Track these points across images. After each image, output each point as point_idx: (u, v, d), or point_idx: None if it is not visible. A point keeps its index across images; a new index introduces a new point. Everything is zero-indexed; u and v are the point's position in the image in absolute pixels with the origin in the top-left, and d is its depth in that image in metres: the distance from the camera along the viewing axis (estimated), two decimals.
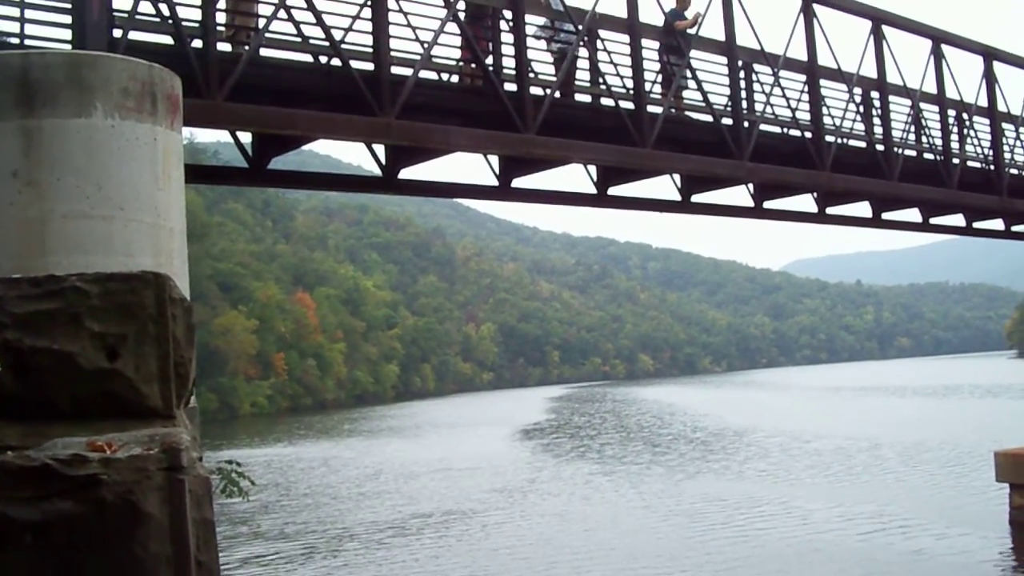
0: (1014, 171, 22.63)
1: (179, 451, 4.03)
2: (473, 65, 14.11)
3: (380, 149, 14.90)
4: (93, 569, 3.85)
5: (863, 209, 21.86)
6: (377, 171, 15.41)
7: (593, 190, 17.11)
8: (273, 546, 25.66)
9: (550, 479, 37.54)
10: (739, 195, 19.52)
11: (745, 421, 62.68)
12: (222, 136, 26.64)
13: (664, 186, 18.28)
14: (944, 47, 20.60)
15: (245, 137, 14.40)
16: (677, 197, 18.34)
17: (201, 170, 17.51)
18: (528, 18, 14.30)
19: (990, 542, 21.41)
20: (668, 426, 63.43)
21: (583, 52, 15.10)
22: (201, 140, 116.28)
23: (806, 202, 20.66)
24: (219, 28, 11.93)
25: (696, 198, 18.56)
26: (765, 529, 24.67)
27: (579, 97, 15.97)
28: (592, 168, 16.80)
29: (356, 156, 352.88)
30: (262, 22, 12.06)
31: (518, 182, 16.24)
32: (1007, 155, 22.36)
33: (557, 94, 14.53)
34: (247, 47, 11.95)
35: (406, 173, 15.45)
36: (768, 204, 19.82)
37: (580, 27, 14.46)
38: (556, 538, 24.83)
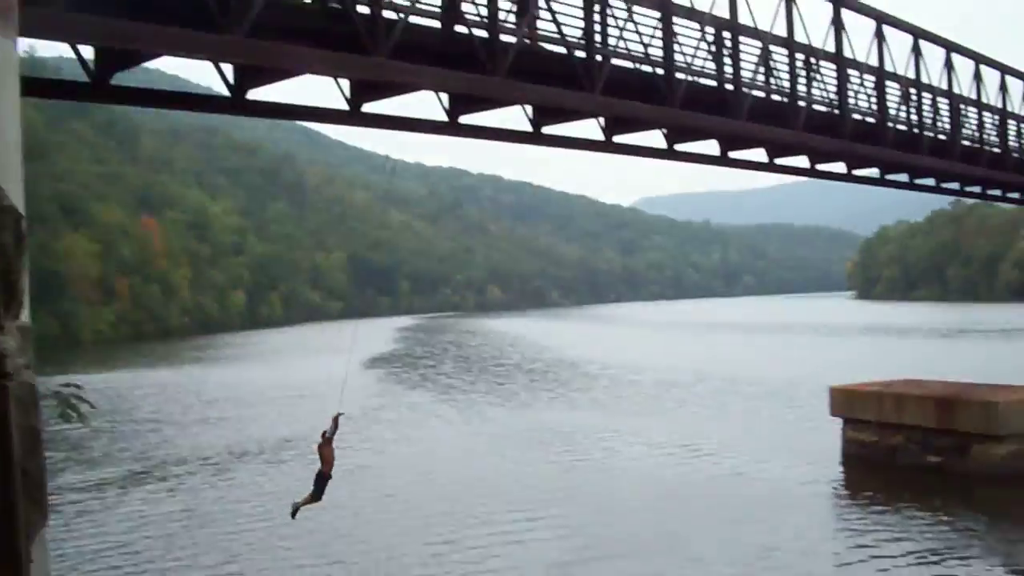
0: (857, 116, 23.18)
1: (3, 357, 3.90)
2: None
3: (229, 69, 14.50)
4: None
5: (711, 147, 22.17)
6: (225, 91, 15.00)
7: (444, 118, 16.96)
8: (107, 471, 25.25)
9: (391, 406, 37.79)
10: (590, 128, 19.60)
11: (589, 353, 63.78)
12: (65, 51, 25.54)
13: (516, 117, 18.23)
14: None
15: (88, 52, 13.82)
16: (528, 128, 18.31)
17: (39, 84, 16.73)
18: None
19: (824, 473, 22.22)
20: (511, 357, 64.17)
21: None
22: (43, 55, 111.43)
23: (655, 138, 20.87)
24: None
25: (547, 130, 18.54)
26: (596, 459, 25.17)
27: (433, 23, 15.74)
28: (444, 95, 16.64)
29: (206, 77, 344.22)
30: None
31: (369, 107, 15.98)
32: (851, 100, 22.89)
33: (410, 19, 14.31)
34: None
35: (255, 94, 15.05)
36: (618, 138, 19.91)
37: None
38: (388, 466, 24.97)
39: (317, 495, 14.52)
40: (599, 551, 16.31)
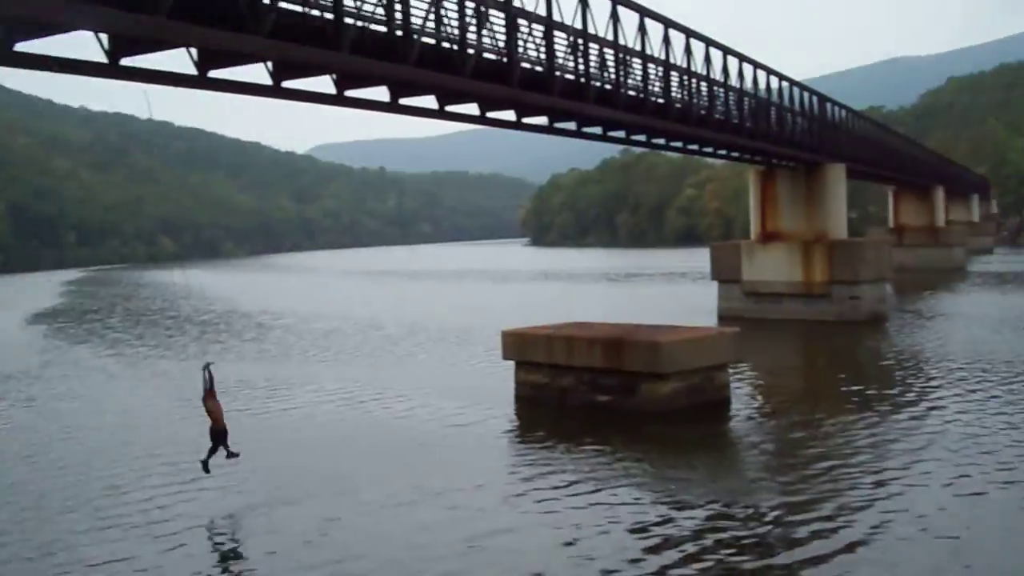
0: (526, 64, 23.54)
1: None
2: None
3: None
4: None
5: (382, 94, 21.99)
6: None
7: (105, 60, 15.98)
8: None
9: (56, 363, 35.99)
10: (259, 73, 18.99)
11: (263, 303, 62.80)
12: None
13: (182, 59, 17.40)
14: None
15: None
16: (193, 71, 17.52)
17: None
18: None
19: (497, 415, 22.60)
20: (183, 309, 62.25)
21: None
22: None
23: (326, 84, 20.48)
24: None
25: (214, 74, 17.82)
26: (268, 408, 24.77)
27: None
28: (104, 36, 15.66)
29: None
30: None
31: (25, 47, 14.85)
32: (520, 49, 23.20)
33: None
34: None
35: None
36: (288, 84, 19.42)
37: None
38: (44, 424, 23.71)
39: (216, 449, 15.40)
40: (271, 496, 15.98)
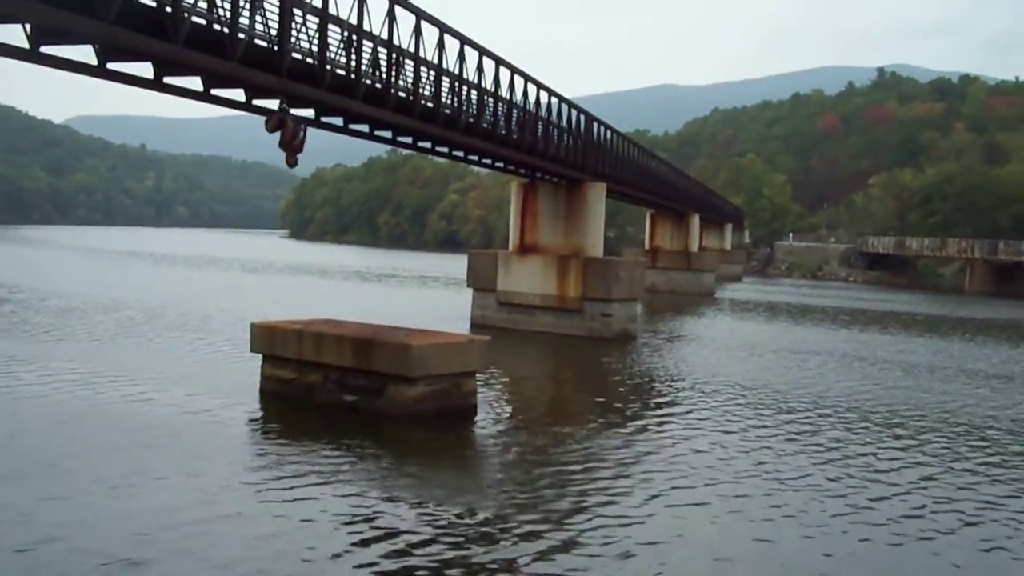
0: (297, 55, 23.16)
1: None
2: None
3: None
4: None
5: (147, 70, 21.22)
6: None
7: None
8: None
9: None
10: (14, 34, 18.02)
11: None
12: None
13: None
14: None
15: None
16: None
17: None
18: None
19: (240, 408, 22.10)
20: None
21: None
22: None
23: (88, 53, 19.62)
24: None
25: None
26: None
27: None
28: None
29: None
30: None
31: None
32: (292, 39, 22.79)
33: None
34: None
35: None
36: (47, 49, 18.51)
37: None
38: None
39: None
40: None
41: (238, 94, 24.46)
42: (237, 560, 12.29)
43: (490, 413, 23.22)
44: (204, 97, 23.32)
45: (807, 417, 24.77)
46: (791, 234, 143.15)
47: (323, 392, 22.68)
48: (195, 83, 22.79)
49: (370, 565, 12.27)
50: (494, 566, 12.43)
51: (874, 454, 20.56)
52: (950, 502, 16.79)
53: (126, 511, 13.97)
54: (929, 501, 16.81)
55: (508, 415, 23.68)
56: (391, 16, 26.49)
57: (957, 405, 28.00)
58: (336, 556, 12.51)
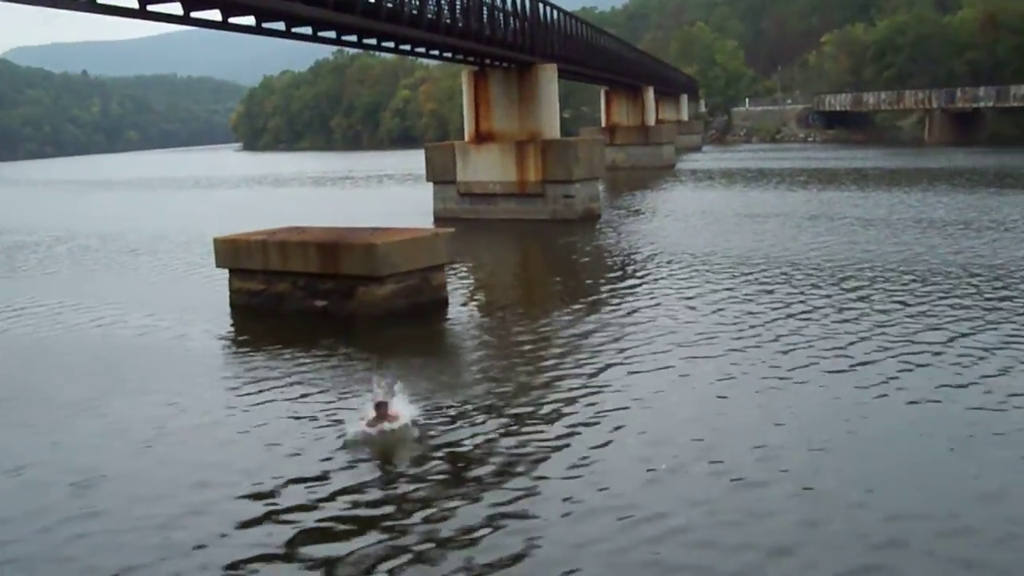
0: None
1: None
2: None
3: None
4: None
5: None
6: None
7: None
8: None
9: None
10: None
11: None
12: None
13: None
14: None
15: None
16: None
17: None
18: None
19: (211, 324, 22.01)
20: None
21: None
22: None
23: None
24: None
25: None
26: None
27: None
28: None
29: None
30: None
31: None
32: None
33: None
34: None
35: None
36: None
37: None
38: None
39: None
40: None
41: (175, 8, 23.97)
42: (216, 463, 12.47)
43: (462, 304, 23.26)
44: (140, 14, 22.99)
45: (768, 277, 25.13)
46: (747, 100, 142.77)
47: (293, 300, 22.60)
48: (130, 1, 22.34)
49: (359, 463, 12.30)
50: (479, 451, 12.49)
51: (832, 307, 20.88)
52: (903, 344, 17.21)
53: (96, 429, 14.08)
54: (882, 343, 17.34)
55: (480, 305, 23.77)
56: None
57: (911, 254, 28.31)
58: (325, 459, 12.48)
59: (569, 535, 9.91)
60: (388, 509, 10.80)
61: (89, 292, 27.22)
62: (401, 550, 9.73)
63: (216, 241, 24.58)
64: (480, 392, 15.29)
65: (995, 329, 18.23)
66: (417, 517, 10.50)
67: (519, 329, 20.14)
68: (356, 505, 10.96)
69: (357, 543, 9.94)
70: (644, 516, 10.26)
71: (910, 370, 15.49)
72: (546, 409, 14.22)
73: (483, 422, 13.67)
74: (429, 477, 11.72)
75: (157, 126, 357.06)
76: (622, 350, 17.69)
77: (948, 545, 9.48)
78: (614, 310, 21.84)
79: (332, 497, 11.16)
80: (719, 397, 14.54)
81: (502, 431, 13.29)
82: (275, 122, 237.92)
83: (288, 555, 9.83)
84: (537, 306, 22.81)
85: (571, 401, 14.59)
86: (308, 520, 10.58)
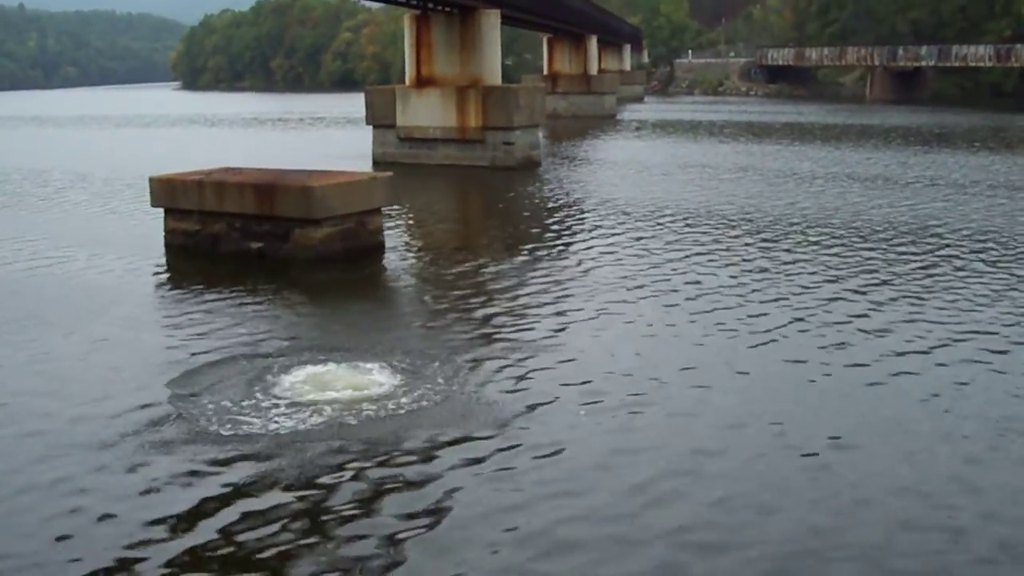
0: None
1: None
2: None
3: None
4: None
5: None
6: None
7: None
8: None
9: None
10: None
11: None
12: None
13: None
14: None
15: None
16: None
17: None
18: None
19: (146, 264, 21.86)
20: None
21: None
22: None
23: None
24: None
25: None
26: None
27: None
28: None
29: None
30: None
31: None
32: None
33: None
34: None
35: None
36: None
37: None
38: None
39: None
40: None
41: None
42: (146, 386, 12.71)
43: (398, 249, 23.34)
44: None
45: (686, 226, 25.79)
46: (690, 52, 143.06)
47: (228, 241, 22.53)
48: None
49: (280, 399, 12.36)
50: (405, 400, 12.60)
51: (763, 256, 21.40)
52: (809, 290, 18.01)
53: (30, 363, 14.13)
54: (779, 289, 18.11)
55: (416, 249, 23.88)
56: None
57: (833, 207, 29.03)
58: (255, 405, 12.55)
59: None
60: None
61: (21, 232, 26.68)
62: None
63: (151, 180, 24.37)
64: (407, 334, 15.44)
65: (888, 273, 19.00)
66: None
67: (453, 274, 20.28)
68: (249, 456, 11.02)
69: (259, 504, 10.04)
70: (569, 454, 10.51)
71: (797, 319, 16.15)
72: (475, 352, 14.37)
73: (407, 365, 13.73)
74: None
75: (95, 63, 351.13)
76: (550, 292, 18.08)
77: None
78: (546, 255, 22.16)
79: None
80: (635, 335, 15.11)
81: (427, 378, 13.40)
82: (215, 61, 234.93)
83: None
84: (473, 253, 22.90)
85: (498, 341, 14.82)
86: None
